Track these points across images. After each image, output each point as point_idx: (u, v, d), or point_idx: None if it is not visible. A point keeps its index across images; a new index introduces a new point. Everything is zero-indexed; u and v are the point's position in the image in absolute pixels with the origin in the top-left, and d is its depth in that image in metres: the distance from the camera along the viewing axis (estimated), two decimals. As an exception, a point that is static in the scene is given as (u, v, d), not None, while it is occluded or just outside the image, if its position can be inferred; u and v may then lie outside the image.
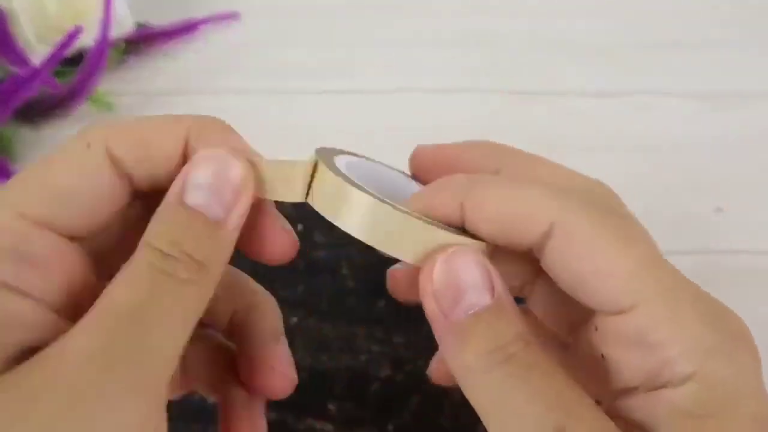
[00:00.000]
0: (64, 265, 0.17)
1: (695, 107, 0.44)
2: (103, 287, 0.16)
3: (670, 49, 0.48)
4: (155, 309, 0.16)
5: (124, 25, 0.45)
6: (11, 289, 0.16)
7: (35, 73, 0.38)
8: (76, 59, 0.41)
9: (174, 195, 0.17)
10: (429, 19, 0.50)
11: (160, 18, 0.48)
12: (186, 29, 0.48)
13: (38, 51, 0.41)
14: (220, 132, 0.19)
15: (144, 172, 0.18)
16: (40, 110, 0.41)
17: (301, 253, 0.35)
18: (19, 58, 0.39)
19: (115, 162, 0.17)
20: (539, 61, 0.47)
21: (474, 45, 0.48)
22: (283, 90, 0.45)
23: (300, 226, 0.36)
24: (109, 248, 0.19)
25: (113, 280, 0.16)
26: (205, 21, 0.49)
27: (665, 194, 0.38)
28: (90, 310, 0.16)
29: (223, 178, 0.17)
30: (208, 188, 0.17)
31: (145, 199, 0.19)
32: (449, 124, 0.42)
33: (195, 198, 0.17)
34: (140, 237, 0.17)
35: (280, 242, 0.20)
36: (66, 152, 0.17)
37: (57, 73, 0.41)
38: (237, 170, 0.17)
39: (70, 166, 0.17)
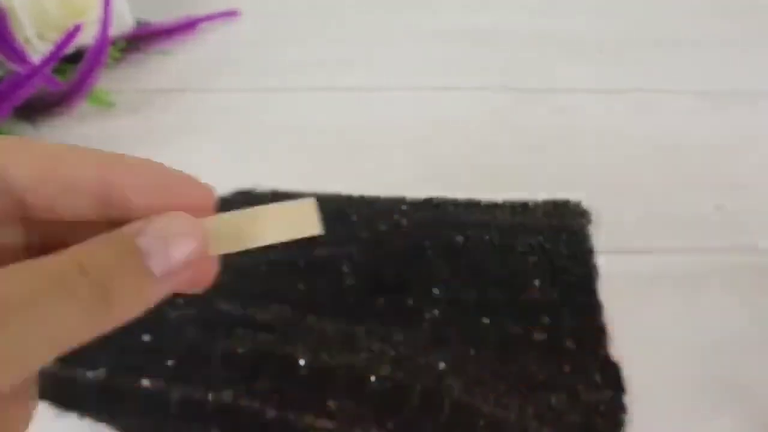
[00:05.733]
0: None
1: (695, 105, 0.44)
2: None
3: (671, 48, 0.48)
4: (30, 312, 0.14)
5: (123, 23, 0.45)
6: None
7: (35, 71, 0.38)
8: (76, 57, 0.41)
9: (128, 230, 0.16)
10: (430, 17, 0.50)
11: (160, 16, 0.48)
12: (185, 27, 0.48)
13: (38, 49, 0.41)
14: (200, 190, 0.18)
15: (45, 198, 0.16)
16: (40, 108, 0.41)
17: (301, 251, 0.35)
18: (19, 56, 0.39)
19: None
20: (540, 58, 0.47)
21: (475, 43, 0.48)
22: (283, 87, 0.45)
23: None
24: None
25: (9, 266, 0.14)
26: (204, 19, 0.49)
27: (665, 192, 0.39)
28: None
29: (179, 247, 0.16)
30: (163, 244, 0.16)
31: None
32: (450, 122, 0.42)
33: (147, 243, 0.16)
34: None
35: (205, 280, 0.19)
36: None
37: (56, 71, 0.41)
38: (193, 247, 0.16)
39: None
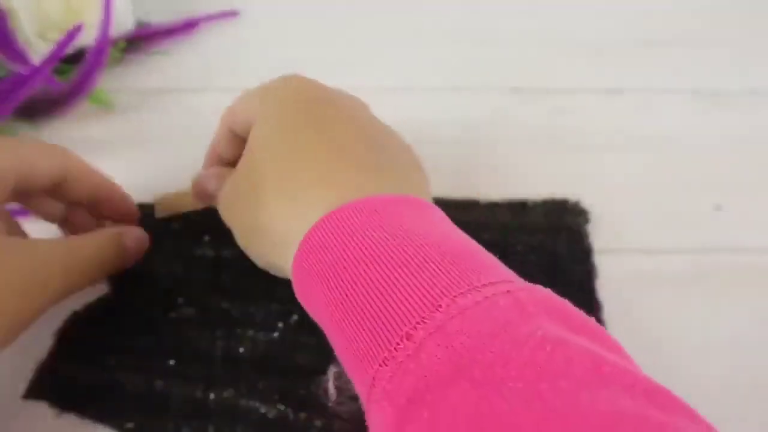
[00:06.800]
0: None
1: (695, 105, 0.44)
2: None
3: (670, 47, 0.48)
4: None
5: (124, 23, 0.45)
6: None
7: (35, 71, 0.38)
8: (77, 57, 0.41)
9: (118, 231, 0.32)
10: (430, 17, 0.50)
11: (160, 16, 0.48)
12: (185, 27, 0.48)
13: (38, 49, 0.41)
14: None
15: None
16: (41, 108, 0.41)
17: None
18: (20, 57, 0.39)
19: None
20: (539, 58, 0.47)
21: (474, 43, 0.48)
22: (283, 88, 0.45)
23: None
24: None
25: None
26: (204, 19, 0.49)
27: (664, 192, 0.39)
28: None
29: (140, 244, 0.33)
30: (135, 241, 0.32)
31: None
32: (450, 122, 0.42)
33: (126, 240, 0.32)
34: None
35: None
36: None
37: (57, 71, 0.41)
38: (145, 243, 0.33)
39: None
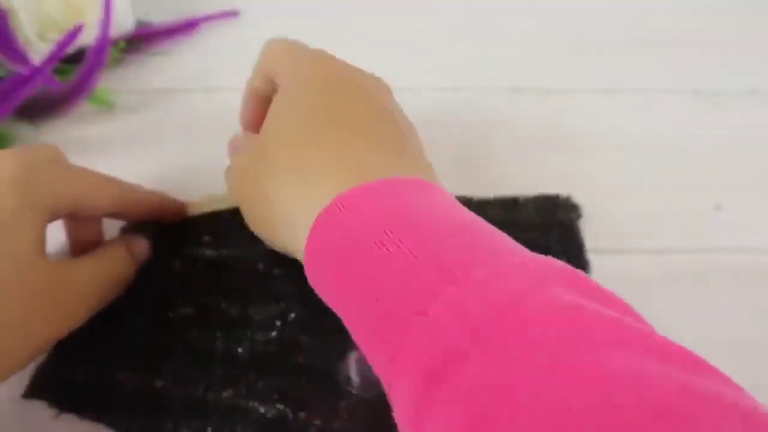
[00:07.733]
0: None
1: (695, 105, 0.44)
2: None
3: (670, 47, 0.48)
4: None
5: (124, 23, 0.45)
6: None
7: (35, 71, 0.38)
8: (77, 57, 0.41)
9: (126, 243, 0.32)
10: (430, 17, 0.50)
11: (160, 16, 0.48)
12: (185, 27, 0.48)
13: (38, 49, 0.41)
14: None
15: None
16: (40, 108, 0.41)
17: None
18: (20, 57, 0.39)
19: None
20: (539, 58, 0.47)
21: (474, 43, 0.48)
22: (283, 88, 0.45)
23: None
24: None
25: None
26: (204, 19, 0.49)
27: (664, 192, 0.39)
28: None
29: (144, 252, 0.33)
30: (141, 249, 0.33)
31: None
32: (450, 122, 0.42)
33: (133, 248, 0.33)
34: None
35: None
36: None
37: (57, 71, 0.41)
38: (147, 251, 0.34)
39: None
